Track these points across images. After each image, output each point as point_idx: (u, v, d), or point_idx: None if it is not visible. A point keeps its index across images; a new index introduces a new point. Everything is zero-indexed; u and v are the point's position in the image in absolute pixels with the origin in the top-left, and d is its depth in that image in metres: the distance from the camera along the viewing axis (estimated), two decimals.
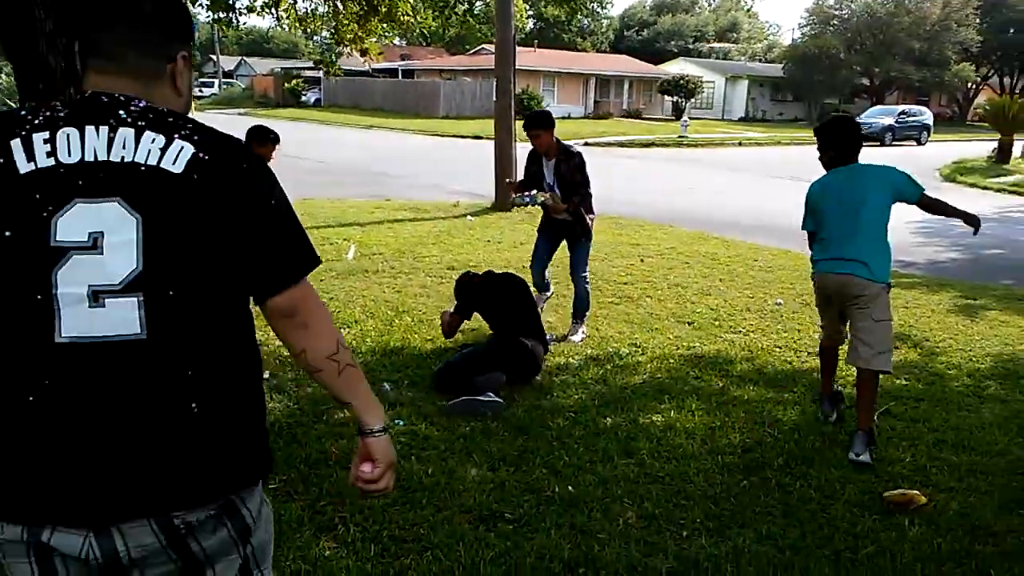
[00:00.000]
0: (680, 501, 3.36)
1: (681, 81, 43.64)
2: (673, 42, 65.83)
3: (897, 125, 30.71)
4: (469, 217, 11.41)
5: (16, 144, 1.34)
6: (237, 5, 6.31)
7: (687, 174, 18.92)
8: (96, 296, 1.34)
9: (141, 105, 1.41)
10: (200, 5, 6.20)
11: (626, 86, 46.92)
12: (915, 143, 30.90)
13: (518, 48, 12.97)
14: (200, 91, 48.88)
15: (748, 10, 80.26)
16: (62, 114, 1.38)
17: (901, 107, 34.50)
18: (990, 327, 6.28)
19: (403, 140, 25.55)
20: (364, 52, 6.71)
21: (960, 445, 4.01)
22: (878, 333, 3.84)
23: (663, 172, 19.29)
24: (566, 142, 5.66)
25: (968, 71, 45.61)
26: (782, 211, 12.37)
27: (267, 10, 6.43)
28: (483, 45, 42.07)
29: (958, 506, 3.39)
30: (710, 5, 79.61)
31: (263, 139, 5.10)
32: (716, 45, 66.91)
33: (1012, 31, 46.64)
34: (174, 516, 1.42)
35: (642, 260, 8.55)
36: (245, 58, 65.85)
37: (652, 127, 35.85)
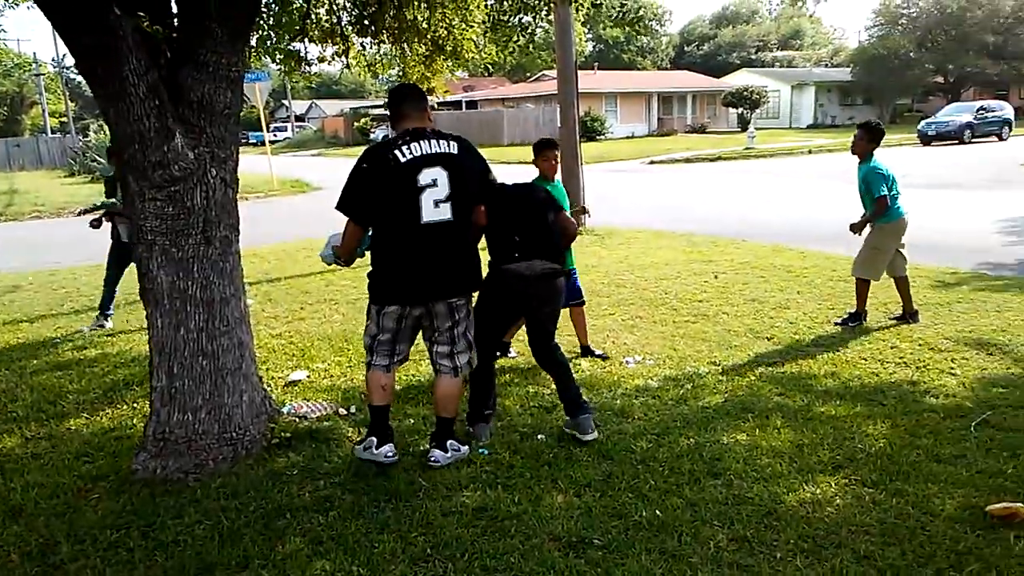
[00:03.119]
0: (772, 522, 3.31)
1: (745, 92, 43.03)
2: (735, 53, 65.17)
3: (976, 122, 29.62)
4: None
5: (396, 151, 3.63)
6: (308, 56, 6.58)
7: (756, 186, 18.63)
8: (436, 203, 3.63)
9: (428, 131, 3.73)
10: (274, 59, 6.48)
11: (689, 101, 46.56)
12: (996, 139, 29.73)
13: (579, 71, 13.06)
14: (274, 135, 50.65)
15: (811, 16, 78.80)
16: (407, 138, 3.66)
17: (979, 103, 33.20)
18: None
19: None
20: (430, 91, 6.87)
21: None
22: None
23: (731, 186, 19.03)
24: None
25: None
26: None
27: (337, 58, 6.67)
28: (544, 71, 42.47)
29: None
30: (771, 14, 78.55)
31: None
32: (779, 53, 65.87)
33: None
34: (454, 299, 3.83)
35: (716, 276, 8.46)
36: (315, 101, 67.92)
37: (718, 141, 35.43)
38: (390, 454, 3.88)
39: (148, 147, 3.64)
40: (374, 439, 3.89)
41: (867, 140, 6.18)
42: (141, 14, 3.68)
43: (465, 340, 3.94)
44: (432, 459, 3.91)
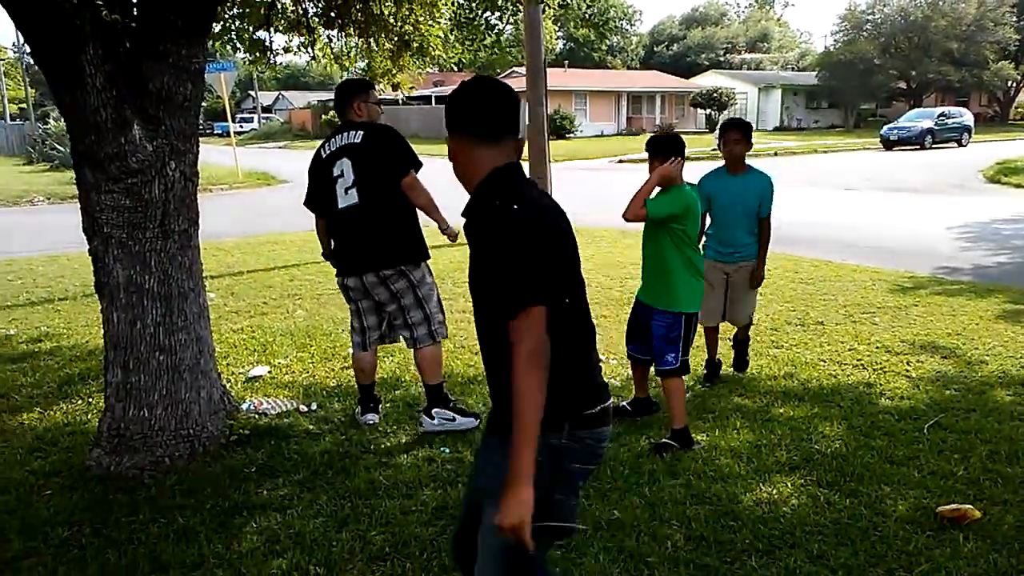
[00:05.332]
0: (728, 522, 3.34)
1: (714, 94, 43.43)
2: (704, 55, 65.70)
3: (936, 128, 30.19)
4: None
5: (322, 147, 4.28)
6: (273, 46, 6.49)
7: None
8: (346, 190, 4.13)
9: (353, 123, 4.21)
10: (238, 48, 6.39)
11: (658, 101, 46.83)
12: (956, 145, 30.33)
13: (549, 69, 13.06)
14: (240, 126, 49.96)
15: (779, 19, 79.75)
16: (335, 133, 4.26)
17: (940, 109, 33.85)
18: None
19: (438, 165, 25.65)
20: (395, 87, 6.82)
21: (1014, 456, 3.93)
22: None
23: None
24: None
25: (1008, 69, 44.61)
26: (821, 221, 12.25)
27: (303, 49, 6.59)
28: (515, 68, 42.39)
29: (1014, 519, 3.32)
30: (739, 17, 79.32)
31: None
32: (748, 56, 66.56)
33: None
34: (380, 272, 4.17)
35: None
36: (283, 92, 67.13)
37: (686, 141, 35.52)
38: (370, 420, 4.47)
39: (104, 138, 3.57)
40: (359, 408, 4.57)
41: (746, 142, 5.19)
42: (99, 3, 3.60)
43: (420, 312, 4.31)
44: (420, 424, 4.41)
